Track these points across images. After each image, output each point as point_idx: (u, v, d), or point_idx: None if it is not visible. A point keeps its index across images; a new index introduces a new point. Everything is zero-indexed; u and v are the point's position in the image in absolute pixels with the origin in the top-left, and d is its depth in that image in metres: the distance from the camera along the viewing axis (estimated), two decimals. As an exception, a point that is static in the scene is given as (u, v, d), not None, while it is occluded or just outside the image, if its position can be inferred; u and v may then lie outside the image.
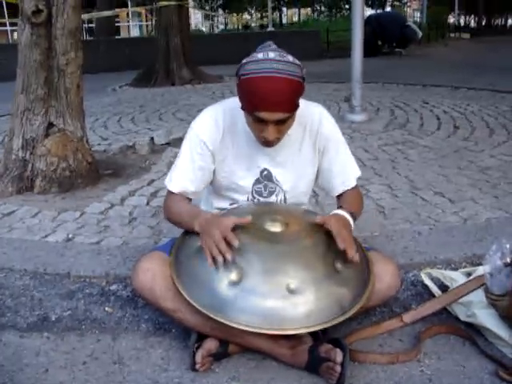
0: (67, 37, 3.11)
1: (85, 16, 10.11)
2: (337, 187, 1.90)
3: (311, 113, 1.85)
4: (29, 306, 2.03)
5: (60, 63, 3.14)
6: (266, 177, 1.85)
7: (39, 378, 1.68)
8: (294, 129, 1.78)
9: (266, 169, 1.84)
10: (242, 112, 1.70)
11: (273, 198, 1.87)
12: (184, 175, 1.83)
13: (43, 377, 1.68)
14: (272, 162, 1.84)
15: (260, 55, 1.59)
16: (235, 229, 1.60)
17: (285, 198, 1.89)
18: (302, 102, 1.76)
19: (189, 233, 1.78)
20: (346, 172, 1.91)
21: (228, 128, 1.81)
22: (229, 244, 1.55)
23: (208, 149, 1.80)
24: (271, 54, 1.58)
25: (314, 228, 1.67)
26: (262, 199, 1.87)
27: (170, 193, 1.87)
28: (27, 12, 2.98)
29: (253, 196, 1.88)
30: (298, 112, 1.73)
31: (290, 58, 1.60)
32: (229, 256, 1.53)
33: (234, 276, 1.53)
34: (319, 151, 1.87)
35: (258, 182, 1.86)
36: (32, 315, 1.99)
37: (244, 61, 1.62)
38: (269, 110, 1.58)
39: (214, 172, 1.86)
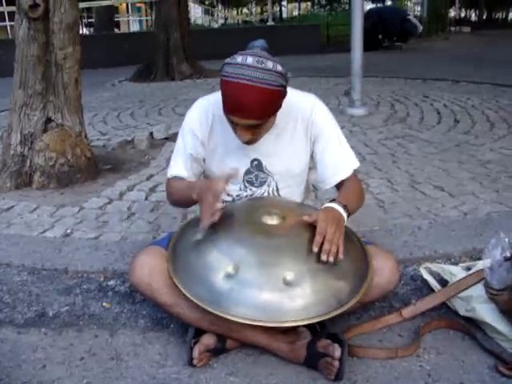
0: (65, 31, 3.10)
1: (83, 4, 10.22)
2: (328, 178, 1.85)
3: (304, 103, 1.84)
4: (26, 302, 2.02)
5: (58, 58, 3.13)
6: (256, 167, 1.85)
7: (36, 374, 1.67)
8: (286, 118, 1.79)
9: (256, 159, 1.84)
10: None
11: (264, 188, 1.87)
12: (179, 163, 1.88)
13: (40, 373, 1.68)
14: (262, 152, 1.83)
15: (239, 59, 1.57)
16: (230, 219, 1.63)
17: (277, 188, 1.88)
18: (295, 92, 1.80)
19: (186, 227, 1.77)
20: (338, 163, 1.84)
21: (218, 118, 1.81)
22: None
23: (197, 138, 1.84)
24: (249, 60, 1.55)
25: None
26: (254, 189, 1.87)
27: (168, 180, 1.92)
28: (24, 6, 2.97)
29: (244, 186, 1.87)
30: (291, 102, 1.75)
31: (270, 64, 1.56)
32: (216, 217, 1.56)
33: (230, 268, 1.52)
34: (311, 140, 1.85)
35: (248, 172, 1.86)
36: (29, 311, 1.99)
37: (226, 61, 1.61)
38: (238, 117, 1.60)
39: (206, 163, 1.89)
